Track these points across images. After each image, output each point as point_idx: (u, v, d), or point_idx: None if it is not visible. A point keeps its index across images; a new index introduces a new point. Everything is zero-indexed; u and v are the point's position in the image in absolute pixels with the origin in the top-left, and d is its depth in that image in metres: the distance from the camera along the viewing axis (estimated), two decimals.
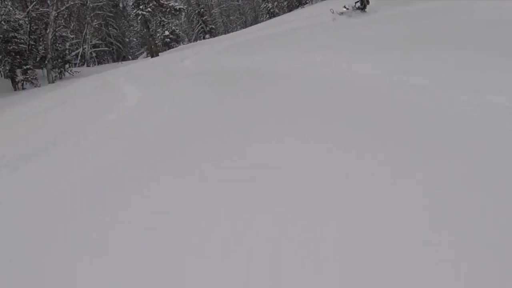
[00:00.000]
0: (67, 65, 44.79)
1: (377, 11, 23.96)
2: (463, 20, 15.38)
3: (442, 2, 21.32)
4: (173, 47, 63.12)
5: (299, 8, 58.80)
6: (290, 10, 61.63)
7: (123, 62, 58.73)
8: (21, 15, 41.42)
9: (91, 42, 62.32)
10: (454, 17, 16.68)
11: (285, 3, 67.11)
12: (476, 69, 7.90)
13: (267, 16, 66.65)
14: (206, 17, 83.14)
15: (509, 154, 4.31)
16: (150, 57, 49.69)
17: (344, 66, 10.92)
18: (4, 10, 37.89)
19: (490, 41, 10.39)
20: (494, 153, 4.38)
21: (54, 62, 42.95)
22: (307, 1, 60.67)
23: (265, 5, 69.31)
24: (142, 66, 30.23)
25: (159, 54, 50.26)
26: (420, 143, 4.92)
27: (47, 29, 42.93)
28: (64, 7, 48.00)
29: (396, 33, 14.47)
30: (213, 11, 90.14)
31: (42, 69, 43.55)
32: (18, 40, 39.09)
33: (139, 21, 53.36)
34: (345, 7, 23.01)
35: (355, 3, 22.70)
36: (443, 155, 4.50)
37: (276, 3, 67.69)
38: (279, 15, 60.15)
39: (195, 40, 73.30)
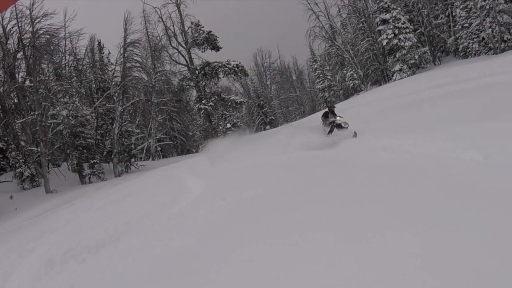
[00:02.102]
0: (132, 159, 45.75)
1: None
2: None
3: None
4: None
5: (355, 95, 59.23)
6: (346, 98, 62.02)
7: (187, 155, 59.57)
8: (88, 110, 42.84)
9: (155, 136, 63.71)
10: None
11: (341, 91, 67.79)
12: None
13: (324, 105, 67.12)
14: (266, 108, 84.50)
15: None
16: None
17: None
18: (72, 106, 39.34)
19: None
20: None
21: (120, 156, 43.95)
22: (362, 89, 61.18)
23: (322, 95, 70.07)
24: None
25: None
26: None
27: (113, 124, 44.27)
28: (129, 103, 49.60)
29: None
30: (272, 102, 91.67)
31: (108, 163, 44.56)
32: (86, 135, 40.35)
33: (202, 115, 54.56)
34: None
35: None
36: None
37: (332, 92, 68.34)
38: (336, 103, 60.63)
39: (256, 131, 74.19)
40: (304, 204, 7.96)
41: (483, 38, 49.99)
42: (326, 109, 19.13)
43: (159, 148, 65.88)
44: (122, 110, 45.83)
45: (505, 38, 48.33)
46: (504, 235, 4.60)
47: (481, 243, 4.55)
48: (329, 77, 69.33)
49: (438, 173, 8.07)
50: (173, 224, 9.41)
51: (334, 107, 18.87)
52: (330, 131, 17.54)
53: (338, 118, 17.72)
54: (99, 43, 51.21)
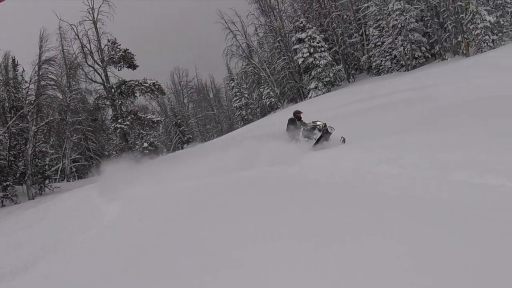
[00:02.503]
0: (47, 181, 44.12)
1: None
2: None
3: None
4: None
5: (272, 113, 59.57)
6: (263, 116, 62.33)
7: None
8: (1, 130, 41.09)
9: (70, 157, 61.86)
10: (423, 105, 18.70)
11: (258, 109, 68.08)
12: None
13: (242, 123, 67.19)
14: (183, 127, 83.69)
15: None
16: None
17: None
18: None
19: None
20: None
21: (34, 178, 42.24)
22: (278, 106, 61.58)
23: (239, 113, 70.07)
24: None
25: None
26: None
27: (26, 145, 42.56)
28: (43, 122, 47.83)
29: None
30: (189, 121, 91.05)
31: (22, 185, 42.73)
32: None
33: (118, 135, 53.26)
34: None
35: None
36: None
37: (249, 110, 68.48)
38: (253, 121, 60.85)
39: (174, 150, 73.27)
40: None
41: (395, 56, 51.43)
42: (292, 116, 17.68)
43: (74, 169, 64.05)
44: (36, 130, 44.17)
45: (416, 56, 49.88)
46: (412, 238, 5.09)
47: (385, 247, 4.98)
48: (246, 95, 69.43)
49: (355, 185, 8.82)
50: (90, 247, 9.17)
51: (301, 112, 17.68)
52: (320, 139, 15.74)
53: (319, 122, 16.23)
54: (13, 60, 49.29)
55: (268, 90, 62.87)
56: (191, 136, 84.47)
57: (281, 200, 8.74)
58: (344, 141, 15.12)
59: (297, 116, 17.47)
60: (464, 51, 44.79)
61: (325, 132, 15.51)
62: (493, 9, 43.17)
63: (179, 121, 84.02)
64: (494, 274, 3.93)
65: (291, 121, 17.44)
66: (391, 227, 5.68)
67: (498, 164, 7.30)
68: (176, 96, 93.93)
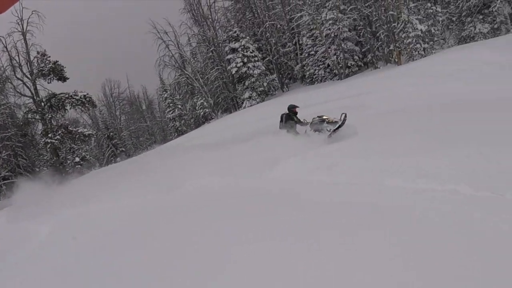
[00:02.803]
0: None
1: None
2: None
3: None
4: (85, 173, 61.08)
5: (206, 123, 58.68)
6: (197, 127, 61.38)
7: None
8: None
9: (0, 174, 59.37)
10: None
11: (192, 120, 67.11)
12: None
13: (176, 135, 65.96)
14: (116, 140, 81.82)
15: None
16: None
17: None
18: None
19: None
20: None
21: None
22: (212, 117, 60.81)
23: (172, 124, 68.77)
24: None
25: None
26: None
27: None
28: None
29: None
30: (122, 134, 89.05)
31: None
32: None
33: (48, 150, 51.41)
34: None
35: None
36: None
37: (183, 121, 67.40)
38: (187, 132, 59.70)
39: (107, 164, 71.44)
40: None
41: (329, 65, 51.56)
42: (286, 112, 16.59)
43: (4, 187, 61.50)
44: None
45: (349, 64, 50.10)
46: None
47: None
48: (179, 106, 68.16)
49: (291, 195, 9.27)
50: (22, 269, 8.84)
51: (297, 107, 16.75)
52: (339, 128, 14.42)
53: (325, 116, 15.27)
54: None
55: (202, 101, 61.93)
56: (124, 149, 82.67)
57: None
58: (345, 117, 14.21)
59: (293, 111, 16.58)
60: (396, 60, 45.15)
61: (343, 122, 14.33)
62: (425, 18, 43.69)
63: (111, 134, 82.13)
64: (416, 270, 4.53)
65: (288, 117, 16.49)
66: (322, 232, 6.14)
67: (429, 170, 8.12)
68: (108, 108, 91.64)
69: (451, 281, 4.27)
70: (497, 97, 16.11)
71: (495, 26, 45.82)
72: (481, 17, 46.34)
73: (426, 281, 4.30)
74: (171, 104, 68.61)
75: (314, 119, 15.49)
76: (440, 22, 46.42)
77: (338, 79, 49.70)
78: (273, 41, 60.30)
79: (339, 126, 14.34)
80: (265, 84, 54.43)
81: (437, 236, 5.29)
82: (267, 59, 59.49)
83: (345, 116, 14.31)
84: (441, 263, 4.60)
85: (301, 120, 16.29)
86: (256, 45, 58.49)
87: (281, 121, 16.54)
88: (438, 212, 6.14)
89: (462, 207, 6.23)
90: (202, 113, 62.08)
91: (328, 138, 14.57)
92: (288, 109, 16.69)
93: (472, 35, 46.24)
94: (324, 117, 15.27)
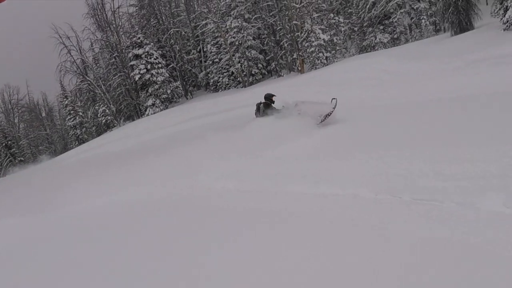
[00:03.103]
0: None
1: None
2: None
3: None
4: None
5: (108, 131, 57.10)
6: (99, 135, 59.72)
7: None
8: None
9: None
10: None
11: (93, 128, 65.25)
12: None
13: (77, 143, 63.84)
14: (14, 149, 78.40)
15: None
16: None
17: None
18: None
19: None
20: None
21: None
22: (115, 124, 59.32)
23: (73, 132, 66.49)
24: None
25: None
26: None
27: None
28: None
29: None
30: (21, 142, 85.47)
31: None
32: None
33: None
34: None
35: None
36: None
37: (84, 129, 65.34)
38: (88, 140, 57.90)
39: (4, 175, 68.30)
40: None
41: (233, 73, 51.50)
42: (262, 101, 16.38)
43: None
44: None
45: (253, 72, 50.16)
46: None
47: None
48: (80, 114, 65.93)
49: (191, 201, 9.52)
50: None
51: (275, 95, 16.47)
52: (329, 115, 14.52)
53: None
54: None
55: (104, 108, 60.23)
56: (22, 159, 79.36)
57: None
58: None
59: (270, 99, 16.30)
60: (299, 68, 45.41)
61: (334, 108, 14.41)
62: (327, 28, 44.26)
63: (9, 142, 78.68)
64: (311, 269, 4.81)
65: (267, 106, 16.22)
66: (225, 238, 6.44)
67: (331, 174, 8.57)
68: (6, 115, 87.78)
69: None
70: (396, 102, 16.86)
71: (395, 36, 47.14)
72: (381, 27, 47.59)
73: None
74: (71, 111, 66.28)
75: (298, 105, 15.23)
76: (343, 32, 47.34)
77: (242, 87, 49.72)
78: (178, 48, 59.62)
79: (330, 113, 14.44)
80: (168, 91, 53.69)
81: (337, 238, 5.58)
82: (171, 66, 58.71)
83: (336, 100, 14.45)
84: (345, 263, 4.88)
85: (278, 108, 16.06)
86: (160, 51, 57.63)
87: (258, 110, 16.47)
88: (341, 215, 6.47)
89: (363, 210, 6.58)
90: (104, 121, 60.36)
91: (318, 124, 14.54)
92: (265, 97, 16.49)
93: (373, 45, 47.37)
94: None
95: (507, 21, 26.73)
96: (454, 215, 5.94)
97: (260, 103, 16.53)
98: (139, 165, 14.99)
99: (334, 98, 14.55)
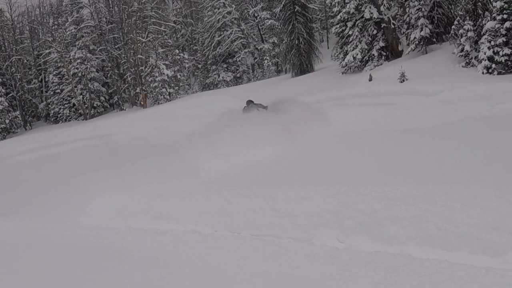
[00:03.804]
0: None
1: None
2: None
3: None
4: None
5: None
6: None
7: None
8: None
9: None
10: None
11: None
12: None
13: None
14: None
15: None
16: None
17: None
18: None
19: None
20: None
21: None
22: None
23: None
24: None
25: None
26: None
27: None
28: None
29: None
30: None
31: None
32: None
33: None
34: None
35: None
36: None
37: None
38: None
39: None
40: None
41: (74, 104, 50.09)
42: (249, 100, 20.10)
43: None
44: None
45: (95, 105, 49.04)
46: None
47: None
48: None
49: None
50: None
51: (252, 101, 20.08)
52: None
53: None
54: None
55: None
56: None
57: None
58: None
59: (251, 101, 20.01)
60: (142, 102, 44.83)
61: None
62: (172, 64, 44.22)
63: None
64: None
65: (249, 102, 20.00)
66: None
67: (171, 211, 8.79)
68: None
69: None
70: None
71: (238, 75, 47.97)
72: (225, 65, 48.24)
73: None
74: None
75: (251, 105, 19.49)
76: (187, 68, 47.50)
77: (83, 119, 48.36)
78: (19, 76, 56.92)
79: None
80: (7, 121, 50.81)
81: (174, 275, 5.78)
82: (10, 94, 55.78)
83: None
84: None
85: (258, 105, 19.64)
86: (0, 79, 54.68)
87: (245, 106, 19.83)
88: (182, 251, 6.73)
89: (201, 245, 6.93)
90: None
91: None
92: (249, 101, 20.07)
93: (216, 82, 47.91)
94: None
95: (346, 65, 28.19)
96: (290, 250, 6.34)
97: (248, 103, 19.99)
98: None
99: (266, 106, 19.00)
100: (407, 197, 7.96)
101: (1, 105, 50.22)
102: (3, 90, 52.37)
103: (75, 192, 12.11)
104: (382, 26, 27.07)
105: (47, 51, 53.46)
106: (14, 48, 58.46)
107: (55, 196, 12.32)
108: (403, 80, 21.67)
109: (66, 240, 8.89)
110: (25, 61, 58.45)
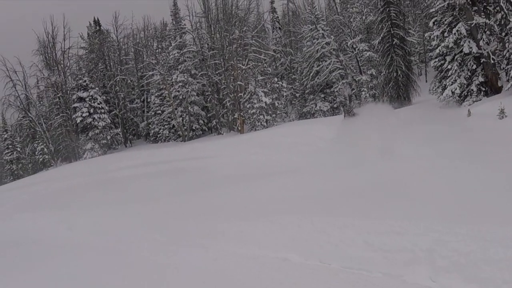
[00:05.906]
0: None
1: None
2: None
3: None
4: None
5: (44, 170, 54.65)
6: (34, 172, 57.17)
7: None
8: None
9: None
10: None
11: (29, 165, 62.60)
12: None
13: (11, 178, 60.82)
14: None
15: None
16: None
17: None
18: None
19: None
20: None
21: None
22: (52, 164, 56.88)
23: (9, 167, 63.39)
24: None
25: None
26: None
27: None
28: None
29: None
30: None
31: None
32: None
33: None
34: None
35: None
36: None
37: (20, 165, 62.50)
38: (23, 177, 55.15)
39: None
40: None
41: (174, 126, 50.46)
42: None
43: None
44: None
45: (193, 127, 49.26)
46: None
47: None
48: (18, 149, 63.16)
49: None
50: None
51: None
52: None
53: None
54: None
55: (43, 146, 57.76)
56: None
57: None
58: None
59: None
60: (239, 128, 44.55)
61: None
62: (270, 92, 43.70)
63: None
64: None
65: None
66: None
67: (260, 237, 8.80)
68: None
69: None
70: (334, 166, 17.55)
71: (335, 105, 46.98)
72: (322, 95, 47.45)
73: None
74: (10, 146, 63.40)
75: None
76: (284, 97, 47.02)
77: (181, 141, 48.55)
78: (122, 95, 58.06)
79: None
80: (108, 137, 51.83)
81: None
82: (113, 112, 56.90)
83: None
84: None
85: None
86: (105, 97, 55.91)
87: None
88: (271, 278, 6.55)
89: (292, 274, 6.69)
90: (41, 159, 57.88)
91: None
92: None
93: (312, 112, 47.10)
94: None
95: (444, 99, 26.95)
96: (381, 285, 6.17)
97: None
98: None
99: None
100: (505, 239, 7.38)
101: (104, 121, 51.22)
102: (106, 108, 53.47)
103: None
104: (481, 61, 25.68)
105: (150, 73, 54.26)
106: (119, 68, 59.70)
107: None
108: (503, 117, 20.28)
109: None
110: (129, 81, 59.62)
